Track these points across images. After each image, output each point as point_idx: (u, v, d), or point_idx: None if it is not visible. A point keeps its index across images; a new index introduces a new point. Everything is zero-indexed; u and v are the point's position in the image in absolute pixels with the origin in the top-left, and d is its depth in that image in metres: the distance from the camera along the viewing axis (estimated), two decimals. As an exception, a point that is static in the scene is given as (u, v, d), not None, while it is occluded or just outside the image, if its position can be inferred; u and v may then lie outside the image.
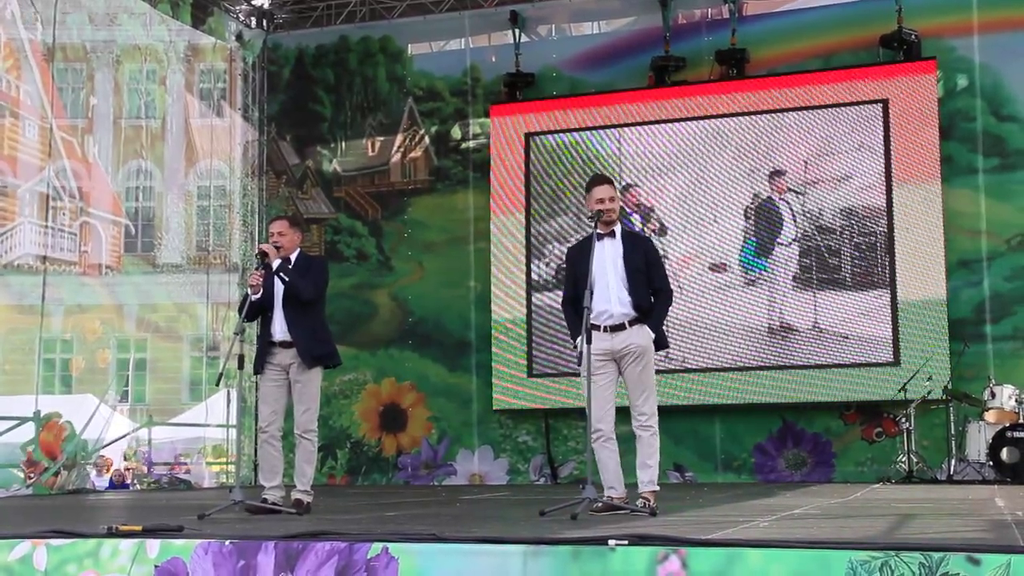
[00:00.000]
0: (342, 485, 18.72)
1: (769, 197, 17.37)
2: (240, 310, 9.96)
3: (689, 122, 17.74)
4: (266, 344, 9.94)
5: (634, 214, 17.73)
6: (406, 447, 19.02)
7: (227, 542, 6.07)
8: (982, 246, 16.60)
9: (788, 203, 17.25)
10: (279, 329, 9.84)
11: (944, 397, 15.85)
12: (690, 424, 17.37)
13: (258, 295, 9.77)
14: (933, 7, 17.12)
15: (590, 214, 8.90)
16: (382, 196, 19.62)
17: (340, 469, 19.18)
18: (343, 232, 19.66)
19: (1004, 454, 14.69)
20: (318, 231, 19.75)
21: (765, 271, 17.29)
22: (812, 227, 17.11)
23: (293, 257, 10.01)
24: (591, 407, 8.67)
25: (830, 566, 5.13)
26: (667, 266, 9.29)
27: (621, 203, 9.08)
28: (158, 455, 20.32)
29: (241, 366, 9.76)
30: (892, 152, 16.77)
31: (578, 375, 9.10)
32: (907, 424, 15.67)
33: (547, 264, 18.17)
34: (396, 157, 19.59)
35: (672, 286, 9.20)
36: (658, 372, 9.19)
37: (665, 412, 9.08)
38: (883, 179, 16.80)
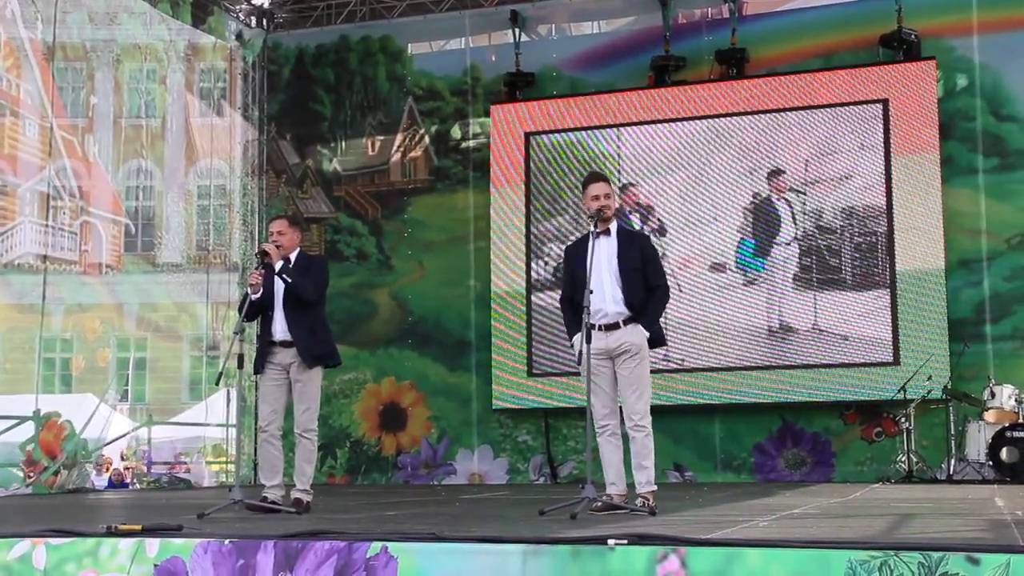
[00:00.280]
0: (342, 484, 18.73)
1: (768, 196, 17.37)
2: (240, 309, 9.96)
3: (689, 122, 17.74)
4: (266, 343, 9.94)
5: (633, 214, 17.73)
6: (406, 446, 19.03)
7: (226, 541, 6.07)
8: (982, 246, 16.61)
9: (788, 203, 17.25)
10: (279, 329, 9.84)
11: (944, 397, 15.86)
12: (690, 424, 17.38)
13: (258, 295, 9.77)
14: (933, 7, 17.12)
15: (589, 213, 8.90)
16: (382, 195, 19.63)
17: (340, 468, 19.18)
18: (343, 231, 19.66)
19: (1004, 454, 14.70)
20: (318, 230, 19.76)
21: (761, 271, 17.28)
22: (812, 227, 17.11)
23: (293, 257, 10.01)
24: (594, 404, 8.68)
25: (829, 566, 5.13)
26: (666, 266, 9.28)
27: (620, 202, 9.07)
28: (158, 454, 20.32)
29: (241, 365, 9.76)
30: (892, 152, 16.77)
31: (578, 374, 9.11)
32: (907, 424, 15.67)
33: (545, 264, 18.16)
34: (396, 156, 19.60)
35: (671, 285, 9.20)
36: (657, 372, 9.23)
37: (665, 412, 9.13)
38: (883, 179, 16.80)
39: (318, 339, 9.95)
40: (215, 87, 22.76)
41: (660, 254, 9.65)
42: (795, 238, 17.16)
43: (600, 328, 8.74)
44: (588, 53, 19.00)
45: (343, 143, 19.87)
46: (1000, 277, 16.50)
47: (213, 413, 19.72)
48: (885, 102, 16.87)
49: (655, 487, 8.77)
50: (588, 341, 8.33)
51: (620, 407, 8.90)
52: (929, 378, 15.86)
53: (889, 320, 16.57)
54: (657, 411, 8.99)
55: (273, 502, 9.63)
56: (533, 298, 18.08)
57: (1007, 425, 14.85)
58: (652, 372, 9.00)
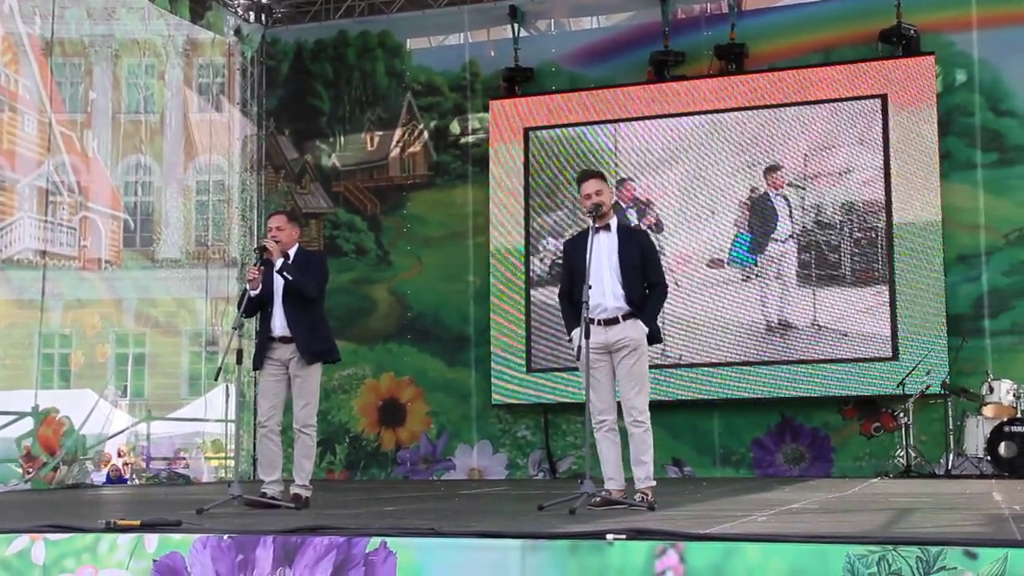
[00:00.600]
0: (341, 480, 18.74)
1: (765, 192, 17.37)
2: (239, 305, 9.97)
3: (688, 117, 17.74)
4: (265, 339, 9.94)
5: (631, 209, 17.73)
6: (405, 442, 19.03)
7: (226, 536, 6.08)
8: (980, 241, 16.61)
9: (786, 198, 17.24)
10: (279, 324, 9.84)
11: (942, 392, 15.85)
12: (688, 419, 17.38)
13: (257, 291, 9.78)
14: (932, 2, 17.11)
15: (586, 210, 8.92)
16: (381, 191, 19.63)
17: (339, 464, 19.18)
18: (342, 227, 19.66)
19: (1002, 448, 14.69)
20: (317, 226, 19.75)
21: (756, 266, 17.29)
22: (811, 222, 17.11)
23: (292, 252, 10.00)
24: (592, 399, 8.69)
25: (828, 560, 5.14)
26: (664, 262, 9.28)
27: (616, 197, 9.07)
28: (157, 450, 20.33)
29: (240, 361, 9.75)
30: (891, 147, 16.77)
31: (577, 369, 9.12)
32: (905, 419, 15.67)
33: (541, 260, 18.16)
34: (395, 152, 19.59)
35: (669, 281, 9.20)
36: (656, 367, 9.23)
37: (663, 407, 9.14)
38: (882, 174, 16.80)
39: (317, 335, 9.96)
40: (214, 82, 22.79)
41: (658, 250, 9.64)
42: (792, 235, 17.15)
43: (599, 323, 8.75)
44: (587, 48, 18.98)
45: (342, 138, 19.87)
46: (999, 272, 16.51)
47: (212, 409, 19.74)
48: (884, 97, 16.87)
49: (654, 482, 8.78)
50: (587, 336, 8.33)
51: (619, 402, 8.91)
52: (928, 373, 15.86)
53: (888, 316, 16.57)
54: (656, 406, 9.00)
55: (272, 497, 9.63)
56: (532, 293, 18.08)
57: (1005, 420, 14.85)
58: (651, 368, 9.01)
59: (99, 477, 17.93)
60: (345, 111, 19.85)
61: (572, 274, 8.93)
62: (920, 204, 16.56)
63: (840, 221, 16.98)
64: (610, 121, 18.01)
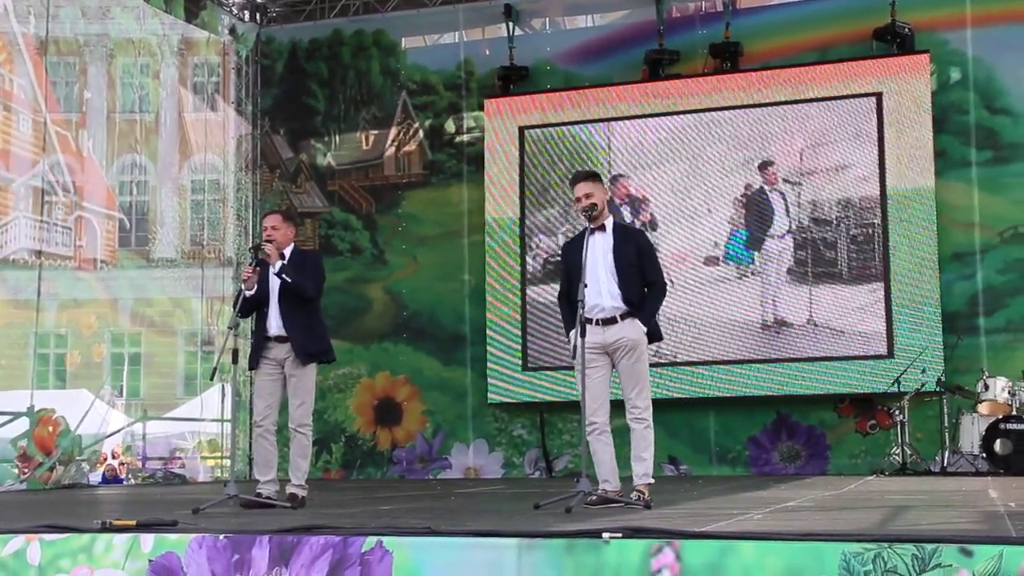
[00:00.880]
0: (337, 479, 18.74)
1: (761, 188, 17.38)
2: (234, 305, 9.97)
3: (683, 116, 17.74)
4: (261, 339, 9.94)
5: (626, 205, 17.74)
6: (401, 441, 19.03)
7: (221, 536, 6.08)
8: (975, 239, 16.62)
9: (782, 194, 17.25)
10: (274, 324, 9.84)
11: (938, 389, 15.87)
12: (684, 417, 17.39)
13: (252, 291, 9.78)
14: (926, 0, 17.13)
15: (580, 212, 8.94)
16: (376, 190, 19.63)
17: (335, 463, 19.19)
18: (337, 226, 19.66)
19: (997, 446, 14.71)
20: (312, 225, 19.75)
21: (752, 264, 17.30)
22: (807, 219, 17.12)
23: (287, 252, 10.00)
24: (585, 400, 8.69)
25: (823, 558, 5.15)
26: (659, 259, 9.26)
27: (610, 195, 9.08)
28: (153, 449, 20.30)
29: (235, 360, 9.76)
30: (886, 145, 16.78)
31: (573, 368, 9.12)
32: (901, 416, 15.68)
33: (534, 257, 18.16)
34: (390, 151, 19.59)
35: (665, 279, 9.20)
36: (651, 366, 9.21)
37: (659, 405, 9.11)
38: (877, 173, 16.81)
39: (313, 336, 9.96)
40: (208, 82, 22.76)
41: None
42: (789, 230, 17.17)
43: (597, 323, 8.76)
44: (582, 47, 18.99)
45: (337, 137, 19.87)
46: (993, 270, 16.53)
47: (208, 408, 19.71)
48: (879, 95, 16.88)
49: (652, 480, 8.79)
50: (582, 336, 8.34)
51: (611, 403, 8.90)
52: (923, 371, 15.88)
53: (883, 314, 16.58)
54: (652, 404, 8.99)
55: (268, 497, 9.63)
56: (528, 292, 18.09)
57: (1000, 417, 14.86)
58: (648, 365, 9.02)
59: (95, 477, 17.91)
60: (340, 110, 19.85)
61: (570, 275, 8.94)
62: (915, 202, 16.57)
63: (836, 217, 16.99)
64: (605, 120, 18.02)
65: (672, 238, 17.55)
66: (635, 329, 8.77)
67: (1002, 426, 14.74)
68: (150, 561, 6.11)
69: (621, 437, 8.85)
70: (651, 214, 17.68)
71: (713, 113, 17.59)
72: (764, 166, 17.35)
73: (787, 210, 17.21)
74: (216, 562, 6.01)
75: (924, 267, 16.46)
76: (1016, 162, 16.60)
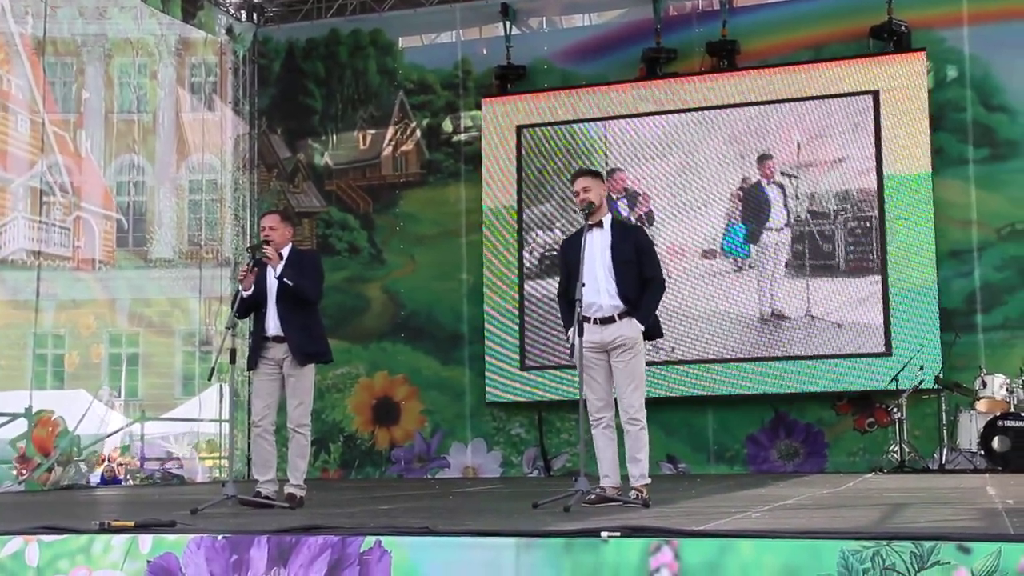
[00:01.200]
0: (335, 479, 18.74)
1: (758, 181, 17.38)
2: (232, 305, 9.98)
3: (680, 114, 17.75)
4: (259, 339, 9.95)
5: (623, 199, 17.74)
6: (399, 440, 19.03)
7: (220, 536, 6.08)
8: (973, 236, 16.63)
9: (780, 186, 17.25)
10: (272, 324, 9.84)
11: (935, 387, 15.88)
12: (683, 415, 17.39)
13: (249, 291, 9.78)
14: (923, -2, 17.17)
15: (579, 208, 8.95)
16: (373, 189, 19.62)
17: (333, 463, 19.18)
18: (335, 226, 19.65)
19: (995, 443, 14.73)
20: (310, 225, 19.75)
21: (749, 257, 17.30)
22: (805, 212, 17.11)
23: (285, 252, 10.00)
24: (589, 398, 8.70)
25: (822, 556, 5.15)
26: (656, 253, 9.28)
27: (607, 190, 9.07)
28: (151, 450, 20.29)
29: (233, 360, 9.76)
30: (883, 143, 16.79)
31: (571, 367, 9.13)
32: (899, 414, 15.69)
33: (531, 252, 18.16)
34: (387, 150, 19.59)
35: (664, 276, 9.21)
36: (649, 363, 9.22)
37: (657, 404, 9.15)
38: (874, 165, 16.80)
39: (311, 336, 9.96)
40: (206, 82, 22.73)
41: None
42: (787, 223, 17.17)
43: (595, 321, 8.77)
44: (579, 46, 18.99)
45: (334, 137, 19.87)
46: (991, 267, 16.54)
47: (206, 408, 19.71)
48: (876, 93, 16.89)
49: (649, 480, 8.79)
50: (580, 334, 8.34)
51: (616, 400, 8.92)
52: (921, 368, 15.88)
53: (881, 307, 16.58)
54: (650, 403, 9.00)
55: (267, 497, 9.64)
56: (526, 291, 18.09)
57: (998, 414, 14.88)
58: (645, 364, 9.02)
59: (94, 478, 17.91)
60: (337, 109, 19.85)
61: (569, 272, 8.93)
62: (912, 199, 16.58)
63: (834, 210, 16.99)
64: (602, 119, 18.03)
65: (669, 232, 17.55)
66: (632, 328, 8.77)
67: (1000, 423, 14.77)
68: (148, 562, 6.11)
69: (618, 436, 8.87)
70: (648, 208, 17.68)
71: (710, 111, 17.60)
72: (762, 159, 17.35)
73: (785, 203, 17.21)
74: (214, 563, 6.01)
75: (922, 265, 16.47)
76: (1013, 159, 16.62)
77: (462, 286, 18.84)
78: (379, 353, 19.26)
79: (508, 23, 18.85)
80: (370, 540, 5.78)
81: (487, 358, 18.24)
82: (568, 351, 8.83)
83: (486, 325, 18.26)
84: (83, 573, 6.19)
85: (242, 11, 20.06)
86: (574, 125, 18.16)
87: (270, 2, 20.10)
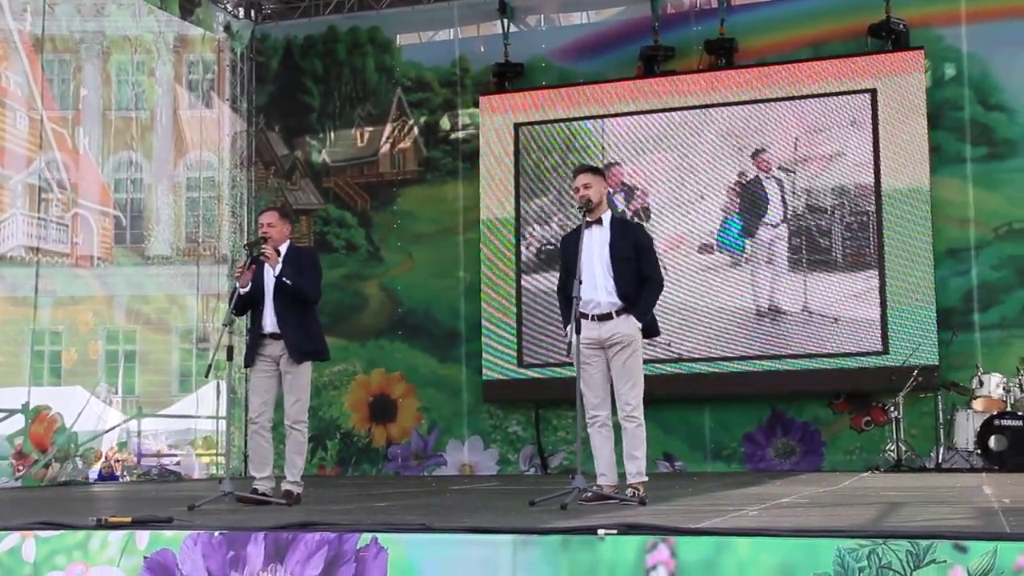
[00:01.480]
0: (332, 476, 18.74)
1: (756, 176, 17.39)
2: (230, 302, 9.99)
3: (678, 112, 17.75)
4: (256, 336, 9.96)
5: (620, 192, 17.74)
6: (396, 438, 19.03)
7: (217, 533, 6.08)
8: (970, 235, 16.64)
9: (778, 181, 17.24)
10: (269, 321, 9.86)
11: (933, 386, 15.89)
12: (680, 413, 17.40)
13: (246, 288, 9.80)
14: (921, -4, 17.18)
15: (578, 204, 8.96)
16: (371, 187, 19.63)
17: (330, 460, 19.19)
18: (332, 223, 19.66)
19: (992, 442, 14.75)
20: (307, 222, 19.75)
21: (744, 251, 17.30)
22: (802, 207, 17.11)
23: (283, 249, 10.02)
24: (585, 395, 8.71)
25: (818, 554, 5.15)
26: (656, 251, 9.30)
27: (608, 188, 9.09)
28: (148, 447, 20.29)
29: (230, 357, 9.77)
30: (880, 141, 16.79)
31: (568, 364, 9.16)
32: (896, 413, 15.70)
33: (527, 247, 18.17)
34: (385, 148, 19.59)
35: (662, 274, 9.22)
36: (646, 361, 9.23)
37: (655, 402, 9.13)
38: (871, 161, 16.80)
39: (307, 334, 9.97)
40: (204, 79, 22.71)
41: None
42: (785, 218, 17.17)
43: (593, 318, 8.79)
44: (577, 43, 19.00)
45: (332, 134, 19.87)
46: (988, 266, 16.55)
47: (203, 405, 19.71)
48: (873, 92, 16.90)
49: (646, 478, 8.81)
50: (578, 332, 8.35)
51: (612, 398, 8.93)
52: (918, 367, 15.89)
53: (878, 301, 16.58)
54: (647, 401, 9.01)
55: (263, 494, 9.65)
56: (523, 289, 18.09)
57: (995, 413, 14.90)
58: (642, 362, 9.02)
59: (91, 474, 17.90)
60: (335, 107, 19.85)
61: (568, 269, 8.93)
62: (909, 198, 16.58)
63: (831, 205, 17.00)
64: (600, 116, 18.03)
65: (666, 226, 17.56)
66: (630, 325, 8.79)
67: (996, 422, 14.78)
68: (145, 558, 6.11)
69: (615, 434, 8.88)
70: (645, 202, 17.69)
71: (708, 110, 17.60)
72: (758, 153, 17.34)
73: (782, 198, 17.21)
74: (211, 559, 6.01)
75: (919, 264, 16.47)
76: (1011, 158, 16.63)
77: (459, 284, 18.84)
78: (376, 350, 19.27)
79: (506, 21, 18.86)
80: (367, 537, 5.78)
81: (484, 356, 18.23)
82: (565, 348, 8.84)
83: (483, 322, 18.26)
84: (80, 569, 6.19)
85: (240, 8, 20.06)
86: (572, 123, 18.16)
87: (268, -1, 20.13)
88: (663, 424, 16.95)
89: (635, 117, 17.87)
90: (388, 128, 19.58)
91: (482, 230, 18.40)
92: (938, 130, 16.80)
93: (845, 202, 16.94)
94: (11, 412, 16.00)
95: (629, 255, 8.85)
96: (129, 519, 6.51)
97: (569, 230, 10.34)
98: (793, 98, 17.25)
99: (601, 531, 5.51)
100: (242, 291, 9.82)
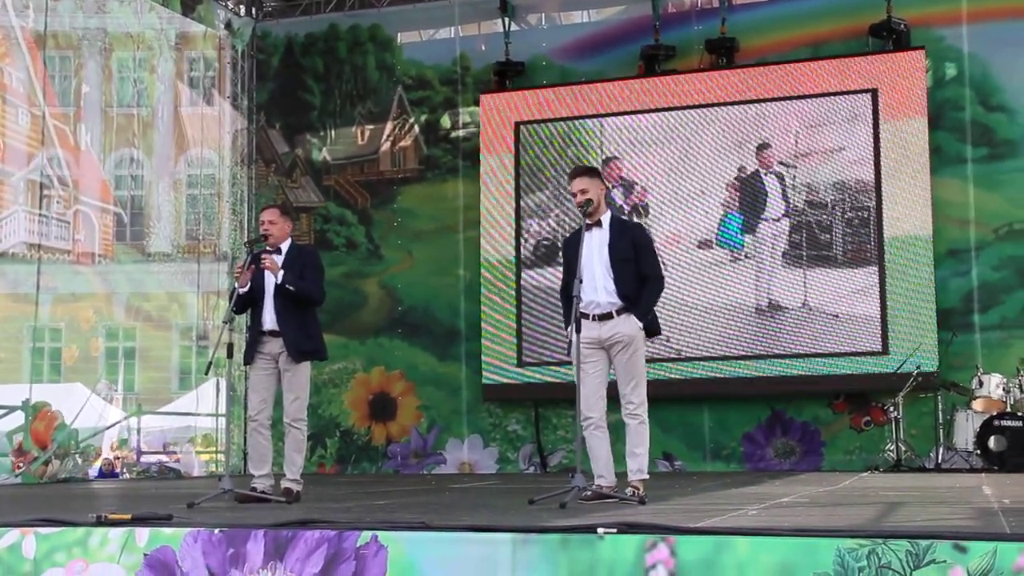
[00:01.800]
0: (331, 474, 18.74)
1: (756, 171, 17.38)
2: (230, 300, 10.00)
3: (679, 111, 17.74)
4: (256, 334, 9.97)
5: (618, 187, 17.74)
6: (395, 436, 19.03)
7: (216, 530, 6.08)
8: (970, 236, 16.63)
9: (779, 176, 17.24)
10: (268, 319, 9.88)
11: (932, 386, 15.89)
12: (679, 413, 17.38)
13: (245, 288, 9.82)
14: (922, -4, 17.18)
15: (577, 207, 8.97)
16: (371, 185, 19.62)
17: (329, 458, 19.19)
18: (332, 221, 19.65)
19: (991, 442, 14.75)
20: (307, 220, 19.74)
21: (743, 248, 17.30)
22: (802, 202, 17.11)
23: (284, 247, 10.03)
24: (581, 395, 8.71)
25: (818, 554, 5.16)
26: (654, 243, 9.32)
27: (604, 189, 9.10)
28: (148, 444, 20.30)
29: (230, 355, 9.77)
30: (881, 142, 16.78)
31: (568, 364, 9.16)
32: (895, 413, 15.70)
33: (525, 242, 18.17)
34: (385, 146, 19.58)
35: (662, 273, 9.22)
36: (648, 360, 9.23)
37: (654, 401, 9.12)
38: (871, 155, 16.79)
39: (306, 334, 9.99)
40: (205, 76, 22.72)
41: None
42: (785, 213, 17.17)
43: (593, 318, 8.79)
44: (578, 42, 18.99)
45: (332, 132, 19.87)
46: (988, 267, 16.54)
47: (203, 403, 19.71)
48: (874, 92, 16.89)
49: (646, 476, 8.82)
50: (578, 331, 8.36)
51: (607, 399, 8.94)
52: (918, 367, 15.88)
53: (878, 298, 16.57)
54: (646, 400, 9.02)
55: (263, 492, 9.66)
56: (523, 288, 18.08)
57: (995, 414, 14.90)
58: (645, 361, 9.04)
59: (91, 471, 17.91)
60: (336, 105, 19.84)
61: (570, 270, 8.94)
62: (910, 199, 16.57)
63: (832, 200, 16.99)
64: (601, 115, 18.02)
65: (665, 222, 17.56)
66: (631, 324, 8.80)
67: (996, 423, 14.78)
68: (145, 555, 6.11)
69: (617, 432, 8.88)
70: (644, 198, 17.69)
71: (709, 109, 17.60)
72: (760, 149, 17.34)
73: (783, 193, 17.21)
74: (211, 556, 6.01)
75: (919, 263, 16.47)
76: (1011, 159, 16.62)
77: (459, 282, 18.83)
78: (376, 348, 19.27)
79: (507, 19, 18.86)
80: (367, 535, 5.79)
81: (484, 354, 18.24)
82: (566, 347, 8.86)
83: (483, 321, 18.26)
84: (80, 566, 6.19)
85: (241, 6, 20.05)
86: (572, 121, 18.15)
87: (269, -3, 20.14)
88: (662, 423, 16.93)
89: (635, 116, 17.87)
90: (389, 126, 19.57)
91: (482, 228, 18.39)
92: (939, 130, 16.79)
93: (846, 197, 16.94)
94: (11, 409, 16.00)
95: (628, 255, 8.86)
96: (129, 516, 6.51)
97: (570, 230, 10.36)
98: (794, 98, 17.24)
99: (600, 530, 5.51)
100: (241, 291, 9.83)
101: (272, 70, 20.19)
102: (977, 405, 15.19)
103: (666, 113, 17.76)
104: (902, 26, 16.92)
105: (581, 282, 8.47)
